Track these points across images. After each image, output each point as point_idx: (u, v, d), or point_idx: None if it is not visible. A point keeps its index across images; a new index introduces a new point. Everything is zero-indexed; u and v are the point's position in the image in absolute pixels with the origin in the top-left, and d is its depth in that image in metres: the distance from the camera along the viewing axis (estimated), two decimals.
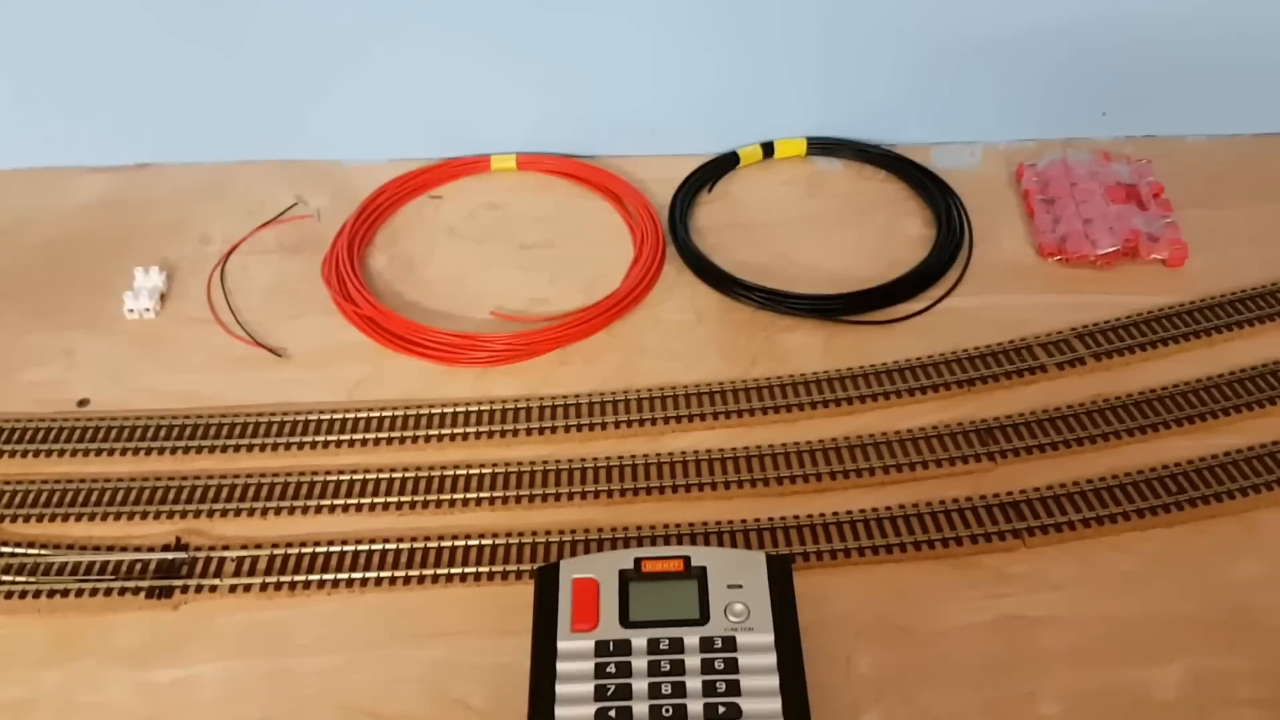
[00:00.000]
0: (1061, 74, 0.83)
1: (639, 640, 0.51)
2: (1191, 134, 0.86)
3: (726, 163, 0.85)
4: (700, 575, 0.54)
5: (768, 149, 0.85)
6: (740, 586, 0.53)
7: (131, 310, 0.74)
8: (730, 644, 0.51)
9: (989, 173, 0.84)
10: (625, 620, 0.52)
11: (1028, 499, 0.61)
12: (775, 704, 0.49)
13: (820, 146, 0.85)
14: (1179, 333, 0.70)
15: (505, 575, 0.59)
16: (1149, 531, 0.60)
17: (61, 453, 0.66)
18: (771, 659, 0.50)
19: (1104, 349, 0.69)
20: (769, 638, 0.51)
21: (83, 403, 0.69)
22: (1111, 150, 0.84)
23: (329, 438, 0.66)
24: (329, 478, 0.64)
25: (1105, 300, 0.73)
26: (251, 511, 0.62)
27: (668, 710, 0.48)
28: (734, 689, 0.49)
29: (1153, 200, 0.78)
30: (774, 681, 0.50)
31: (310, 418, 0.67)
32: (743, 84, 0.83)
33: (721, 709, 0.48)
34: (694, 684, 0.49)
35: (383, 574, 0.59)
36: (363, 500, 0.63)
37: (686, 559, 0.54)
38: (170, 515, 0.62)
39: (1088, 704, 0.53)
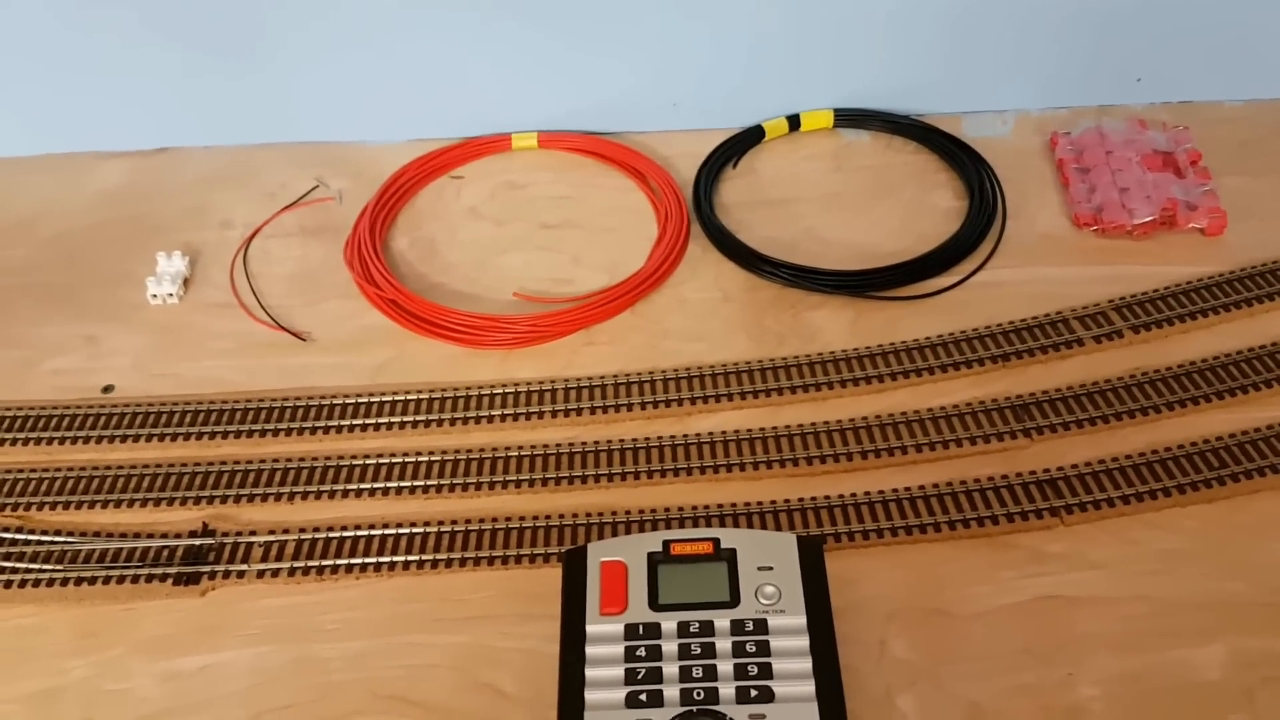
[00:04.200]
0: (1095, 40, 0.81)
1: (669, 623, 0.50)
2: (1229, 99, 0.84)
3: (751, 137, 0.83)
4: (730, 557, 0.53)
5: (794, 122, 0.84)
6: (771, 569, 0.52)
7: (155, 296, 0.74)
8: (762, 627, 0.50)
9: (1021, 142, 0.82)
10: (654, 603, 0.51)
11: (1065, 476, 0.60)
12: (809, 687, 0.48)
13: (848, 118, 0.84)
14: (1218, 303, 0.68)
15: (532, 559, 0.58)
16: (1190, 508, 0.58)
17: (86, 440, 0.65)
18: (804, 642, 0.49)
19: (1142, 321, 0.68)
20: (801, 620, 0.50)
21: (107, 390, 0.69)
22: (1147, 117, 0.81)
23: (354, 422, 0.66)
24: (354, 462, 0.63)
25: (1142, 271, 0.71)
26: (278, 497, 0.62)
27: (699, 694, 0.48)
28: (766, 672, 0.48)
29: (1190, 168, 0.76)
30: (807, 665, 0.49)
31: (335, 402, 0.67)
32: (766, 55, 0.82)
33: (754, 692, 0.48)
34: (725, 667, 0.49)
35: (409, 558, 0.58)
36: (389, 484, 0.62)
37: (716, 541, 0.54)
38: (196, 501, 0.62)
39: (1128, 686, 0.52)
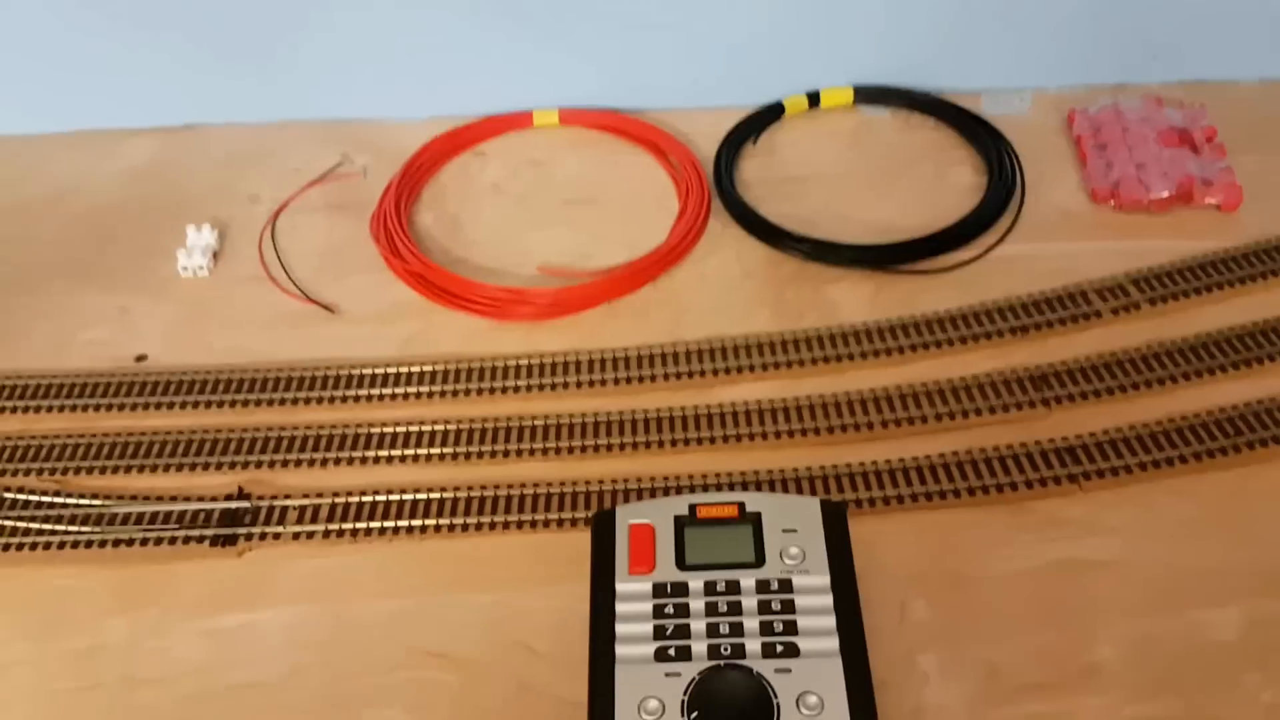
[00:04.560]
0: (1112, 18, 0.82)
1: (696, 582, 0.52)
2: (1244, 79, 0.84)
3: (771, 114, 0.84)
4: (755, 520, 0.54)
5: (813, 99, 0.84)
6: (795, 531, 0.53)
7: (185, 268, 0.75)
8: (787, 585, 0.51)
9: (1039, 119, 0.82)
10: (682, 563, 0.52)
11: (1083, 444, 0.61)
12: (833, 643, 0.49)
13: (867, 95, 0.85)
14: (1234, 277, 0.69)
15: (560, 523, 0.59)
16: (1207, 475, 0.59)
17: (121, 407, 0.67)
18: (828, 600, 0.51)
19: (1158, 294, 0.69)
20: (825, 579, 0.51)
21: (140, 359, 0.70)
22: (1163, 96, 0.82)
23: (383, 391, 0.67)
24: (385, 429, 0.65)
25: (1159, 246, 0.72)
26: (311, 462, 0.63)
27: (726, 648, 0.49)
28: (791, 628, 0.49)
29: (1206, 145, 0.77)
30: (831, 622, 0.50)
31: (365, 372, 0.68)
32: (787, 32, 0.82)
33: (780, 647, 0.49)
34: (751, 624, 0.50)
35: (440, 521, 0.59)
36: (419, 451, 0.63)
37: (741, 505, 0.55)
38: (231, 466, 0.63)
39: (1144, 647, 0.53)
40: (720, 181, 0.79)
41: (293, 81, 0.86)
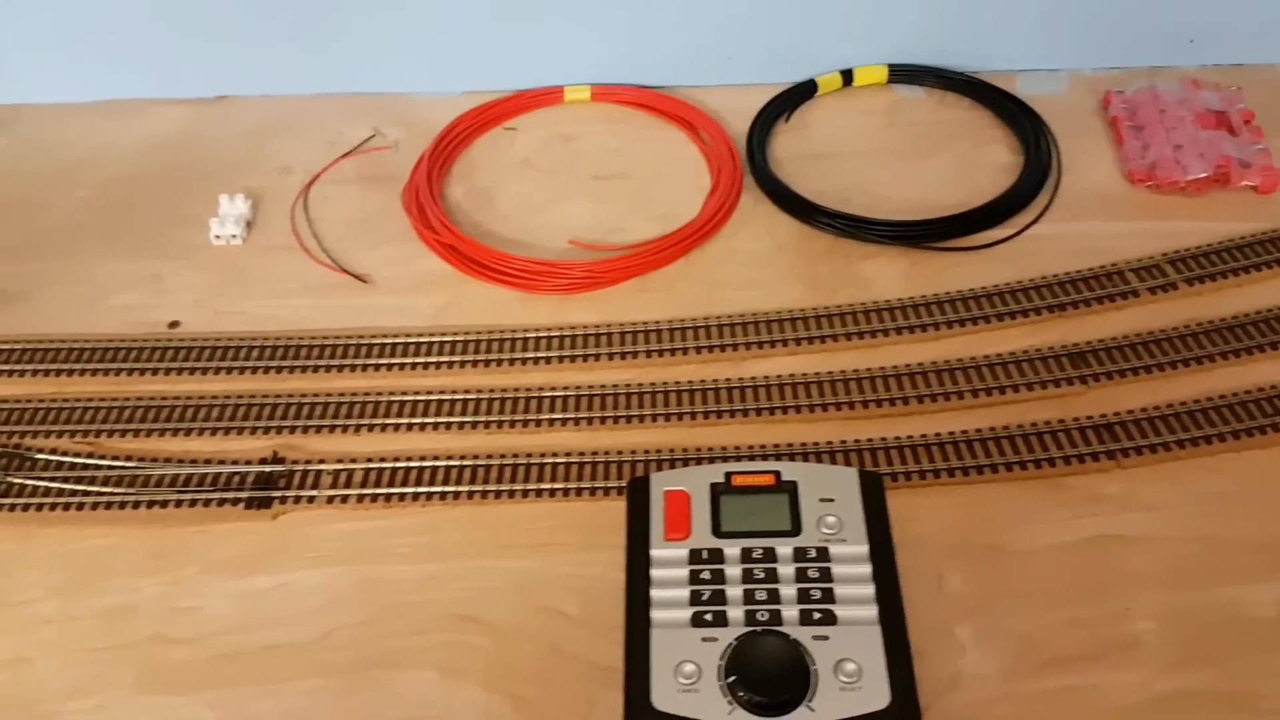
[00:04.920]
0: (1148, 1, 0.81)
1: (732, 550, 0.52)
2: None
3: (804, 91, 0.84)
4: (791, 489, 0.54)
5: (847, 77, 0.84)
6: (832, 500, 0.53)
7: (218, 237, 0.75)
8: (824, 554, 0.51)
9: (1074, 100, 0.82)
10: (717, 530, 0.52)
11: (1120, 421, 0.60)
12: (872, 611, 0.49)
13: (902, 74, 0.84)
14: (1271, 258, 0.69)
15: (593, 492, 0.59)
16: (1243, 453, 0.59)
17: (154, 372, 0.67)
18: (867, 569, 0.51)
19: (1195, 274, 0.68)
20: (864, 548, 0.51)
21: (174, 325, 0.70)
22: (1199, 79, 0.81)
23: (415, 360, 0.67)
24: (417, 398, 0.65)
25: (1196, 227, 0.71)
26: (345, 429, 0.63)
27: (763, 615, 0.49)
28: (829, 596, 0.49)
29: (1244, 126, 0.77)
30: (870, 590, 0.50)
31: (396, 341, 0.68)
32: (821, 9, 0.82)
33: (817, 615, 0.49)
34: (788, 591, 0.50)
35: (473, 488, 0.59)
36: (450, 419, 0.63)
37: (777, 474, 0.55)
38: (265, 431, 0.63)
39: (1181, 621, 0.53)
40: (753, 157, 0.79)
41: (327, 55, 0.86)
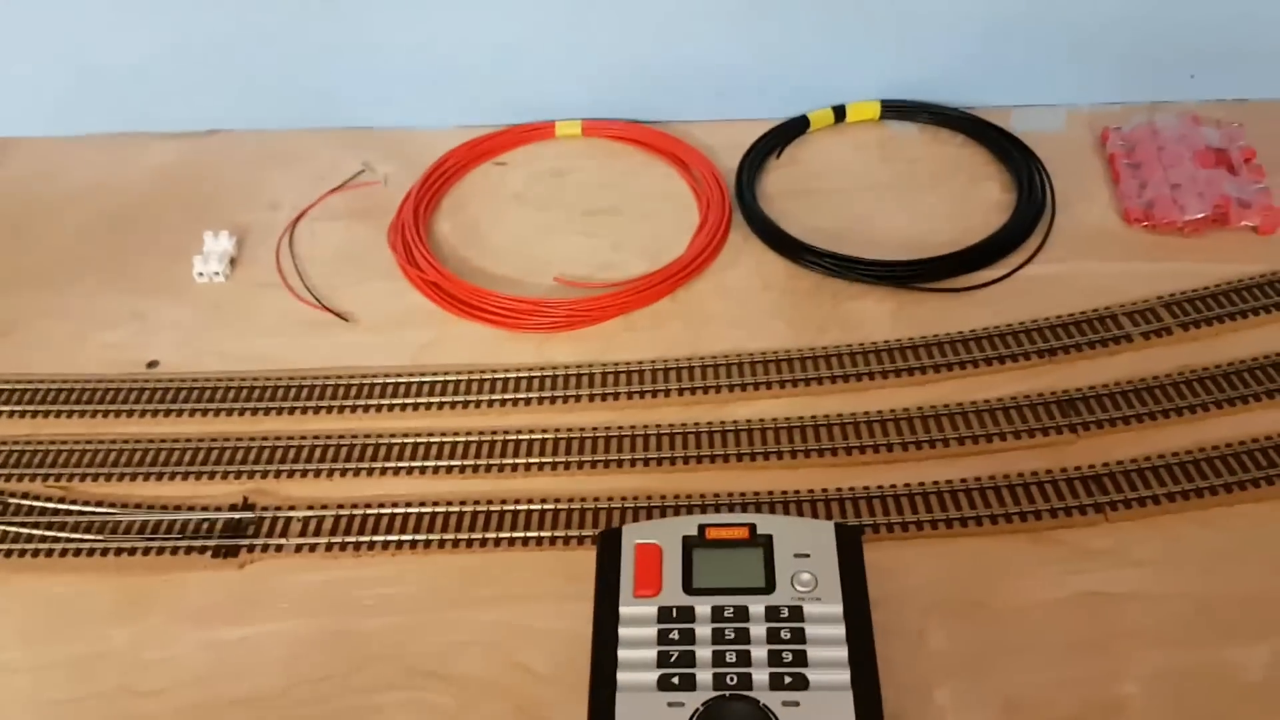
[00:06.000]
0: (1148, 36, 0.80)
1: (703, 607, 0.50)
2: None
3: (796, 127, 0.83)
4: (766, 543, 0.52)
5: (839, 112, 0.83)
6: (807, 556, 0.52)
7: (201, 274, 0.75)
8: (797, 614, 0.50)
9: (1072, 137, 0.81)
10: (689, 587, 0.51)
11: (1110, 472, 0.59)
12: (844, 675, 0.47)
13: (895, 109, 0.83)
14: (1270, 302, 0.67)
15: (567, 540, 0.58)
16: (1237, 507, 0.57)
17: (130, 413, 0.66)
18: (840, 630, 0.49)
19: (1191, 319, 0.66)
20: (837, 608, 0.50)
21: (152, 364, 0.70)
22: (1200, 115, 0.80)
23: (394, 401, 0.66)
24: (394, 440, 0.64)
25: (1193, 269, 0.70)
26: (318, 473, 0.62)
27: (732, 678, 0.47)
28: (801, 659, 0.48)
29: (1244, 165, 0.75)
30: (843, 653, 0.48)
31: (376, 381, 0.67)
32: (813, 45, 0.81)
33: (788, 679, 0.47)
34: (759, 653, 0.48)
35: (445, 536, 0.58)
36: (426, 463, 0.62)
37: (752, 526, 0.53)
38: (238, 475, 0.62)
39: (1171, 684, 0.51)
40: (742, 194, 0.77)
41: (319, 89, 0.85)
